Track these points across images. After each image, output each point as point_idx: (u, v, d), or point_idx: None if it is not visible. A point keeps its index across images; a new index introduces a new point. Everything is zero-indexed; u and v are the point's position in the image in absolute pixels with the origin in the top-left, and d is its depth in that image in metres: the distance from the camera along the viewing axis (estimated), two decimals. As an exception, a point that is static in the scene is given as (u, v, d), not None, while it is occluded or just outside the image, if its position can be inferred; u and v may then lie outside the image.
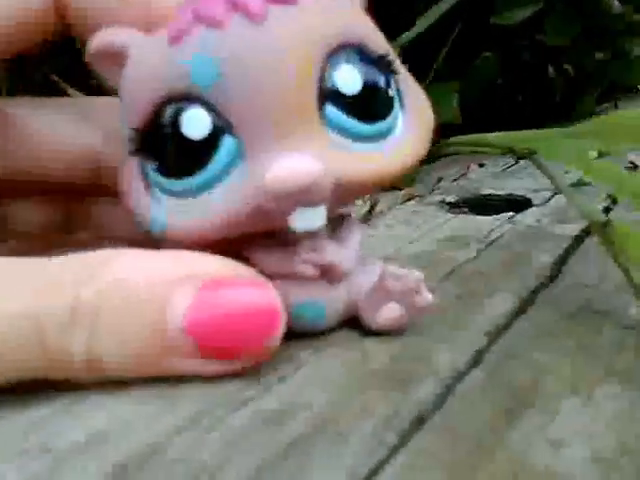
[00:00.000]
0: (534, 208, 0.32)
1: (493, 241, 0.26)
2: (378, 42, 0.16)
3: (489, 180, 0.40)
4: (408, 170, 0.16)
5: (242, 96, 0.14)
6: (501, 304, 0.19)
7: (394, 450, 0.12)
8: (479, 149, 0.31)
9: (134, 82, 0.15)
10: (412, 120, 0.16)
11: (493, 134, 0.27)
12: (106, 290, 0.13)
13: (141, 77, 0.15)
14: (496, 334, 0.17)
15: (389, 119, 0.16)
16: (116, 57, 0.15)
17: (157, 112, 0.15)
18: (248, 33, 0.14)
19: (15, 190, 0.19)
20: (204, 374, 0.14)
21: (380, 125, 0.15)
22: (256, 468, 0.12)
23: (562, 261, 0.23)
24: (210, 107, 0.14)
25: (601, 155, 0.29)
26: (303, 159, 0.14)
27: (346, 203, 0.17)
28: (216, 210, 0.15)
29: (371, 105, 0.15)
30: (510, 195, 0.35)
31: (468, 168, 0.44)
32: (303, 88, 0.14)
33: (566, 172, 0.36)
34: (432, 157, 0.45)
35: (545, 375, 0.15)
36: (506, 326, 0.18)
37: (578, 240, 0.25)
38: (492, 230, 0.28)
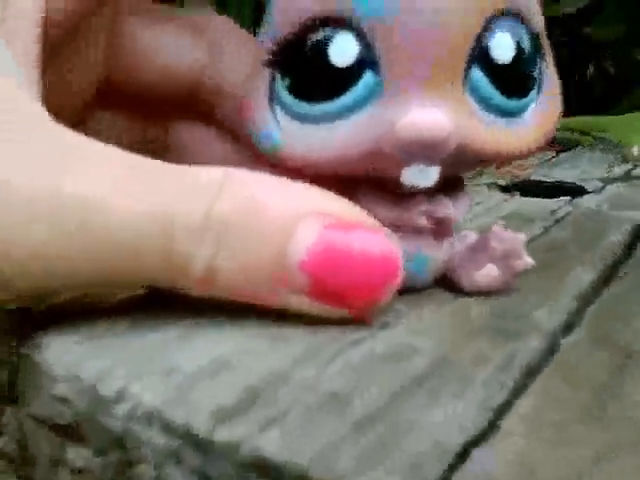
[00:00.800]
0: (591, 195, 0.32)
1: (558, 220, 0.26)
2: (539, 18, 0.16)
3: (536, 168, 0.40)
4: (525, 155, 0.16)
5: (397, 38, 0.14)
6: (582, 276, 0.19)
7: (516, 392, 0.12)
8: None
9: None
10: (543, 107, 0.16)
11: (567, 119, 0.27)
12: (239, 208, 0.13)
13: None
14: (586, 301, 0.17)
15: (526, 99, 0.16)
16: None
17: (307, 29, 0.15)
18: None
19: (120, 99, 0.19)
20: (309, 313, 0.14)
21: (517, 102, 0.16)
22: (389, 396, 0.12)
23: (633, 241, 0.23)
24: (362, 38, 0.14)
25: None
26: (438, 115, 0.14)
27: (458, 171, 0.17)
28: (337, 142, 0.15)
29: (515, 79, 0.15)
30: (560, 182, 0.35)
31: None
32: (457, 49, 0.14)
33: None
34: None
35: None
36: (594, 295, 0.18)
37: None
38: (555, 210, 0.28)
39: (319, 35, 0.15)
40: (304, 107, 0.15)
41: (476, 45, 0.15)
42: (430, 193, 0.16)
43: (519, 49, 0.15)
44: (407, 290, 0.16)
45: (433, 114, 0.14)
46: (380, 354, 0.13)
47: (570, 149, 0.43)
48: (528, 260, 0.17)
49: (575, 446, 0.11)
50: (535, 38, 0.16)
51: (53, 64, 0.16)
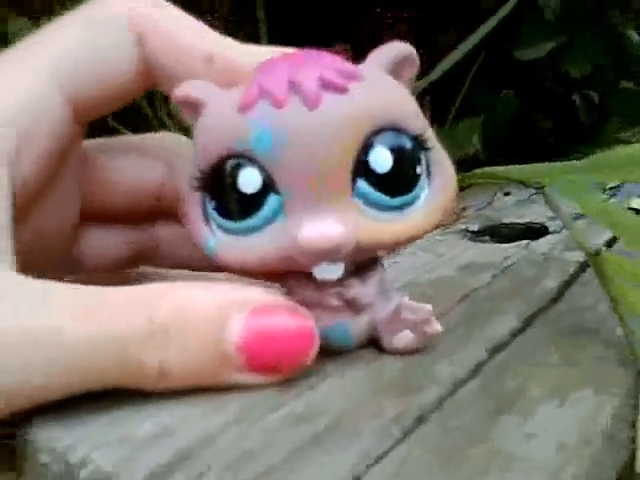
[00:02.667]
0: (549, 236, 0.34)
1: (507, 267, 0.29)
2: (416, 121, 0.18)
3: (512, 208, 0.43)
4: (424, 234, 0.19)
5: (290, 165, 0.17)
6: (504, 324, 0.22)
7: (398, 441, 0.15)
8: (497, 181, 0.34)
9: (206, 131, 0.19)
10: (435, 190, 0.19)
11: (506, 167, 0.30)
12: (175, 311, 0.17)
13: (211, 130, 0.18)
14: (496, 350, 0.20)
15: (413, 193, 0.18)
16: (194, 106, 0.19)
17: (220, 162, 0.18)
18: (302, 114, 0.17)
19: (89, 219, 0.23)
20: (250, 385, 0.18)
21: (404, 198, 0.18)
22: (288, 452, 0.15)
23: (566, 285, 0.26)
24: (262, 169, 0.17)
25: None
26: (331, 225, 0.17)
27: (363, 258, 0.19)
28: (257, 250, 0.18)
29: (397, 182, 0.18)
30: (529, 223, 0.37)
31: (494, 197, 0.47)
32: (342, 166, 0.17)
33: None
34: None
35: (530, 383, 0.18)
36: (506, 343, 0.21)
37: (583, 266, 0.28)
38: (507, 257, 0.30)
39: (229, 167, 0.18)
40: (228, 224, 0.18)
41: (357, 161, 0.17)
42: (342, 278, 0.19)
43: (397, 156, 0.18)
44: (338, 352, 0.20)
45: (325, 225, 0.17)
46: (295, 415, 0.16)
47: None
48: (437, 327, 0.19)
49: (422, 486, 0.13)
50: (416, 139, 0.18)
51: (31, 214, 0.19)
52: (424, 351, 0.20)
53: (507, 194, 0.48)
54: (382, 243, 0.18)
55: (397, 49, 0.18)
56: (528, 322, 0.22)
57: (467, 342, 0.20)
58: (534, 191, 0.49)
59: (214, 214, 0.19)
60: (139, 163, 0.22)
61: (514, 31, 0.53)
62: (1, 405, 0.16)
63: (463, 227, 0.38)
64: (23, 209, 0.19)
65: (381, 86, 0.18)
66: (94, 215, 0.22)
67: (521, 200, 0.46)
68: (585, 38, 0.54)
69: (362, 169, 0.18)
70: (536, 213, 0.40)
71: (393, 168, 0.18)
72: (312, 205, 0.17)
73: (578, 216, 0.35)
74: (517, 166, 0.30)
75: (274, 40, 0.21)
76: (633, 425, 0.16)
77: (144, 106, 0.45)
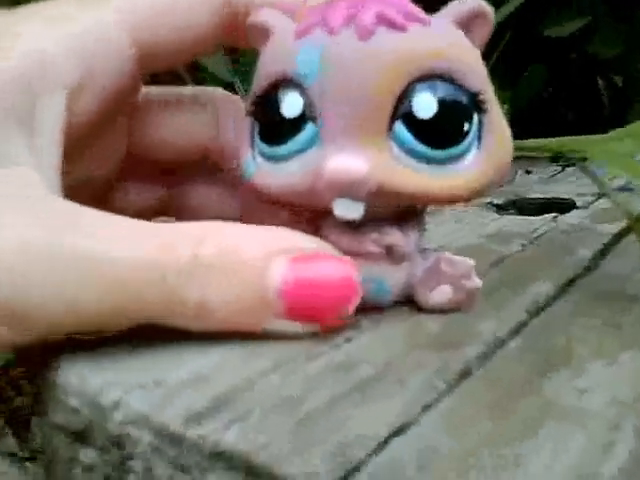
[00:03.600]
0: (578, 210, 0.34)
1: (537, 237, 0.28)
2: (476, 79, 0.18)
3: (536, 185, 0.42)
4: (457, 199, 0.18)
5: (332, 95, 0.17)
6: (542, 288, 0.21)
7: (443, 393, 0.15)
8: (528, 154, 0.34)
9: (266, 57, 0.19)
10: (483, 157, 0.18)
11: (542, 139, 0.29)
12: (219, 251, 0.16)
13: (270, 56, 0.19)
14: (535, 312, 0.20)
15: (456, 149, 0.18)
16: (262, 33, 0.19)
17: (271, 86, 0.18)
18: (353, 45, 0.17)
19: (135, 166, 0.22)
20: (288, 332, 0.17)
21: (444, 152, 0.17)
22: (330, 400, 0.14)
23: (601, 254, 0.25)
24: (305, 94, 0.17)
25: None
26: (355, 160, 0.17)
27: (389, 206, 0.19)
28: (286, 177, 0.18)
29: (439, 133, 0.17)
30: (555, 198, 0.37)
31: (516, 174, 0.46)
32: (382, 104, 0.17)
33: (611, 178, 0.38)
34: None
35: (576, 343, 0.17)
36: (545, 306, 0.20)
37: (618, 237, 0.27)
38: (537, 228, 0.30)
39: (276, 91, 0.18)
40: (267, 148, 0.19)
41: (399, 103, 0.17)
42: (381, 225, 0.18)
43: (442, 106, 0.17)
44: (373, 308, 0.19)
45: (351, 160, 0.17)
46: (335, 364, 0.16)
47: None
48: (477, 281, 0.19)
49: (474, 435, 0.13)
50: (471, 96, 0.17)
51: (80, 151, 0.19)
52: (462, 311, 0.19)
53: (529, 172, 0.47)
54: (411, 192, 0.17)
55: (470, 4, 0.18)
56: (564, 288, 0.22)
57: (505, 304, 0.20)
58: (557, 169, 0.48)
59: (257, 139, 0.19)
60: (190, 120, 0.22)
61: (543, 9, 0.52)
62: (36, 326, 0.16)
63: (487, 201, 0.38)
64: (73, 147, 0.18)
65: (445, 34, 0.18)
66: (134, 165, 0.22)
67: (543, 178, 0.45)
68: (612, 20, 0.53)
69: (403, 111, 0.17)
70: (560, 190, 0.39)
71: (436, 117, 0.17)
72: (345, 138, 0.17)
73: (619, 189, 0.35)
74: (553, 139, 0.29)
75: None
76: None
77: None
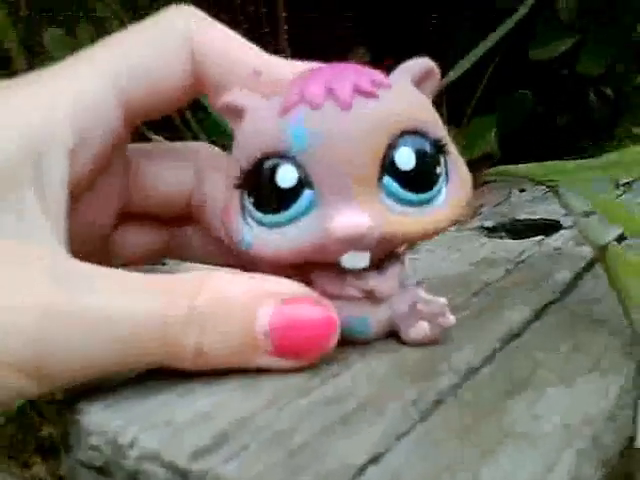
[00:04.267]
0: (563, 231, 0.35)
1: (520, 262, 0.30)
2: (436, 127, 0.20)
3: (527, 205, 0.44)
4: (441, 231, 0.21)
5: (323, 162, 0.19)
6: (517, 315, 0.23)
7: (417, 422, 0.17)
8: (511, 178, 0.35)
9: (248, 134, 0.21)
10: (453, 189, 0.21)
11: (520, 165, 0.31)
12: (212, 300, 0.18)
13: (253, 132, 0.20)
14: (508, 340, 0.21)
15: (433, 191, 0.20)
16: (238, 112, 0.21)
17: (260, 161, 0.20)
18: (337, 116, 0.19)
19: (125, 217, 0.24)
20: (278, 369, 0.19)
21: (425, 195, 0.20)
22: (317, 432, 0.16)
23: (578, 278, 0.27)
24: (299, 166, 0.19)
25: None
26: (360, 216, 0.19)
27: (387, 250, 0.21)
28: (291, 240, 0.20)
29: (420, 180, 0.20)
30: (542, 220, 0.38)
31: (509, 194, 0.48)
32: (370, 163, 0.19)
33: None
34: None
35: (540, 369, 0.19)
36: (518, 334, 0.22)
37: (595, 260, 0.29)
38: (522, 252, 0.32)
39: (268, 165, 0.20)
40: (265, 217, 0.20)
41: (384, 160, 0.19)
42: (361, 270, 0.20)
43: (418, 157, 0.20)
44: (359, 344, 0.21)
45: (355, 216, 0.19)
46: (324, 398, 0.18)
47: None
48: (450, 319, 0.21)
49: (439, 460, 0.15)
50: (436, 143, 0.20)
51: (76, 206, 0.21)
52: (441, 342, 0.21)
53: (522, 191, 0.49)
54: (406, 234, 0.20)
55: (421, 63, 0.21)
56: (540, 313, 0.24)
57: (481, 332, 0.22)
58: (549, 189, 0.50)
59: (252, 209, 0.20)
60: (174, 171, 0.24)
61: (529, 31, 0.54)
62: (57, 379, 0.18)
63: (478, 224, 0.40)
64: (72, 204, 0.20)
65: (407, 94, 0.20)
66: (130, 214, 0.24)
67: (536, 197, 0.47)
68: (600, 37, 0.55)
69: (388, 167, 0.19)
70: (550, 210, 0.41)
71: (416, 167, 0.20)
72: (343, 199, 0.19)
73: (590, 213, 0.37)
74: (531, 164, 0.31)
75: (293, 37, 0.23)
76: (635, 406, 0.17)
77: (174, 117, 0.47)
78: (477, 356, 0.20)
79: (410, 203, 0.20)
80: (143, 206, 0.24)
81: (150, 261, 0.26)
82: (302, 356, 0.19)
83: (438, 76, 0.21)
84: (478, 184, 0.51)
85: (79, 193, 0.21)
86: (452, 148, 0.21)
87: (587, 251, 0.31)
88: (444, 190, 0.20)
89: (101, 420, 0.18)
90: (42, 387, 0.18)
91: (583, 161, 0.30)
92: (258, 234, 0.20)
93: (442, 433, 0.16)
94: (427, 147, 0.20)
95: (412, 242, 0.22)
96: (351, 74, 0.19)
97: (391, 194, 0.20)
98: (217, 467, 0.15)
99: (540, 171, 0.30)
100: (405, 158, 0.19)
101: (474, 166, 0.39)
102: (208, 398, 0.18)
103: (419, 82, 0.20)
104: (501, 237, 0.36)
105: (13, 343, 0.17)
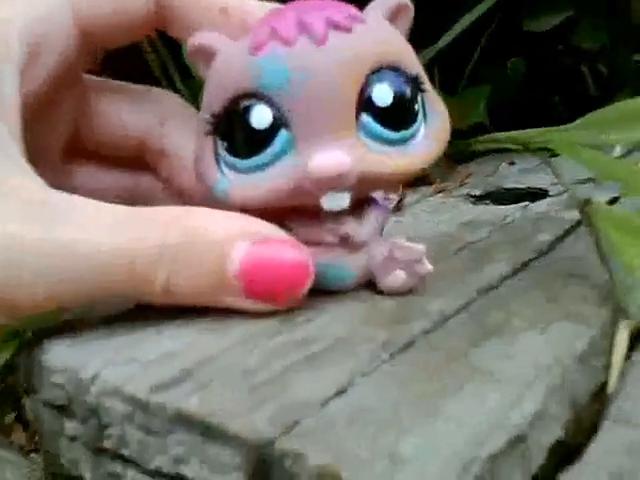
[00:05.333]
0: (549, 198, 0.35)
1: (504, 225, 0.30)
2: (412, 63, 0.20)
3: (515, 177, 0.43)
4: (417, 172, 0.20)
5: (299, 100, 0.18)
6: (496, 270, 0.23)
7: (384, 362, 0.16)
8: (502, 146, 0.35)
9: (218, 77, 0.20)
10: (431, 131, 0.20)
11: (509, 132, 0.31)
12: (185, 237, 0.18)
13: (224, 74, 0.20)
14: (485, 291, 0.21)
15: (411, 129, 0.20)
16: (206, 55, 0.20)
17: (232, 102, 0.19)
18: (311, 51, 0.18)
19: (79, 153, 0.24)
20: (248, 311, 0.19)
21: (403, 133, 0.20)
22: (281, 370, 0.16)
23: (560, 239, 0.27)
24: (273, 105, 0.19)
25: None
26: (338, 154, 0.18)
27: (367, 192, 0.21)
28: (267, 186, 0.19)
29: (397, 117, 0.19)
30: (529, 188, 0.38)
31: (499, 166, 0.48)
32: (347, 100, 0.19)
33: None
34: (461, 155, 0.49)
35: (514, 318, 0.19)
36: (495, 286, 0.22)
37: (578, 223, 0.29)
38: (506, 216, 0.31)
39: (241, 107, 0.19)
40: (239, 162, 0.20)
41: (361, 97, 0.19)
42: (338, 215, 0.20)
43: (397, 92, 0.19)
44: (335, 292, 0.21)
45: (333, 154, 0.18)
46: (293, 341, 0.18)
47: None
48: (428, 266, 0.20)
49: (404, 395, 0.15)
50: (413, 79, 0.20)
51: (31, 128, 0.21)
52: (417, 291, 0.21)
53: (512, 164, 0.49)
54: (385, 173, 0.19)
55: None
56: (519, 269, 0.23)
57: (458, 285, 0.22)
58: (538, 161, 0.50)
59: (225, 155, 0.20)
60: (132, 112, 0.24)
61: (524, 2, 0.53)
62: (21, 311, 0.18)
63: (466, 192, 0.39)
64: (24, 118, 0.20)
65: (382, 29, 0.20)
66: (87, 152, 0.24)
67: (525, 169, 0.46)
68: (596, 10, 0.54)
69: (365, 104, 0.19)
70: (538, 180, 0.41)
71: (393, 103, 0.19)
72: (320, 138, 0.19)
73: (581, 181, 0.36)
74: (520, 131, 0.30)
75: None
76: (610, 351, 0.17)
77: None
78: (451, 305, 0.20)
79: (389, 142, 0.19)
80: (96, 142, 0.24)
81: None
82: (273, 299, 0.19)
83: (411, 12, 0.20)
84: (467, 154, 0.51)
85: (30, 113, 0.20)
86: (428, 86, 0.20)
87: (571, 216, 0.30)
88: (422, 128, 0.20)
89: (64, 358, 0.18)
90: (7, 318, 0.18)
91: (570, 125, 0.30)
92: (233, 181, 0.20)
93: (409, 372, 0.16)
94: (404, 83, 0.19)
95: (391, 183, 0.21)
96: (324, 8, 0.19)
97: (370, 132, 0.19)
98: (178, 401, 0.15)
99: (530, 137, 0.30)
100: (383, 94, 0.19)
101: (466, 136, 0.39)
102: (175, 339, 0.18)
103: (392, 18, 0.20)
104: (486, 204, 0.36)
105: None
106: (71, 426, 0.17)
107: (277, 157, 0.19)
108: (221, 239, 0.18)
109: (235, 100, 0.19)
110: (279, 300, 0.19)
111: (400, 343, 0.17)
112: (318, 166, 0.18)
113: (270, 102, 0.19)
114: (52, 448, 0.18)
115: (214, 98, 0.20)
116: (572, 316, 0.19)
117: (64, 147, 0.23)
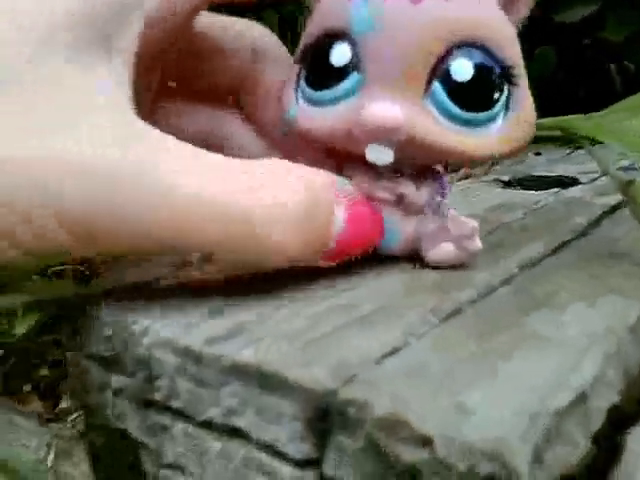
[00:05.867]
0: (580, 186, 0.35)
1: (538, 208, 0.30)
2: (509, 53, 0.19)
3: (544, 165, 0.43)
4: (480, 160, 0.20)
5: (378, 49, 0.19)
6: (535, 249, 0.23)
7: (435, 325, 0.16)
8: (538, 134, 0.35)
9: (318, 12, 0.20)
10: (509, 123, 0.20)
11: (545, 119, 0.31)
12: (295, 198, 0.17)
13: (324, 11, 0.20)
14: (527, 266, 0.21)
15: (485, 115, 0.19)
16: None
17: (321, 38, 0.20)
18: (404, 7, 0.18)
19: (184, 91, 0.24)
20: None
21: (475, 115, 0.19)
22: (332, 330, 0.16)
23: (596, 222, 0.27)
24: (354, 47, 0.19)
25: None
26: (393, 108, 0.18)
27: (417, 159, 0.21)
28: (329, 121, 0.20)
29: (472, 97, 0.19)
30: (559, 176, 0.38)
31: (525, 156, 0.47)
32: (422, 60, 0.19)
33: (619, 159, 0.39)
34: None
35: (561, 290, 0.19)
36: (536, 262, 0.22)
37: (615, 208, 0.29)
38: (538, 201, 0.31)
39: (326, 42, 0.20)
40: (313, 93, 0.20)
41: (438, 64, 0.19)
42: (398, 176, 0.20)
43: (478, 72, 0.19)
44: (375, 259, 0.21)
45: (388, 107, 0.19)
46: (338, 305, 0.18)
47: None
48: (478, 243, 0.20)
49: (457, 355, 0.15)
50: (504, 68, 0.19)
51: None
52: (459, 265, 0.21)
53: (537, 154, 0.49)
54: (435, 147, 0.19)
55: None
56: (557, 249, 0.23)
57: (499, 260, 0.22)
58: (565, 152, 0.49)
59: (303, 84, 0.21)
60: (229, 44, 0.23)
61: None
62: (98, 241, 0.16)
63: (493, 177, 0.39)
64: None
65: (487, 7, 0.19)
66: (169, 89, 0.24)
67: (552, 159, 0.46)
68: (624, 4, 0.54)
69: (442, 73, 0.19)
70: (566, 170, 0.41)
71: (471, 81, 0.19)
72: (386, 90, 0.19)
73: (624, 168, 0.36)
74: (556, 118, 0.30)
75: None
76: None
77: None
78: (496, 277, 0.20)
79: (456, 119, 0.19)
80: (189, 80, 0.23)
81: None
82: (344, 258, 0.19)
83: (529, 4, 0.20)
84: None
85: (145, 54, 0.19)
86: (524, 83, 0.20)
87: (605, 201, 0.30)
88: (499, 120, 0.19)
89: (117, 313, 0.18)
90: (80, 247, 0.16)
91: (609, 110, 0.29)
92: (303, 108, 0.21)
93: (460, 336, 0.16)
94: (490, 65, 0.19)
95: (445, 159, 0.21)
96: None
97: (437, 102, 0.19)
98: (232, 353, 0.15)
99: (573, 123, 0.29)
100: (462, 69, 0.19)
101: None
102: (223, 297, 0.18)
103: (508, 3, 0.19)
104: (516, 189, 0.36)
105: (66, 194, 0.16)
106: (118, 379, 0.17)
107: (343, 97, 0.20)
108: (326, 196, 0.18)
109: (326, 36, 0.20)
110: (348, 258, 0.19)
111: (448, 309, 0.17)
112: (370, 113, 0.19)
113: (352, 43, 0.19)
114: (97, 401, 0.18)
115: (310, 31, 0.21)
116: (617, 291, 0.19)
117: (156, 86, 0.23)
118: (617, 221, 0.27)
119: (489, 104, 0.19)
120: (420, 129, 0.19)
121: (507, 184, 0.38)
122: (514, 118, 0.20)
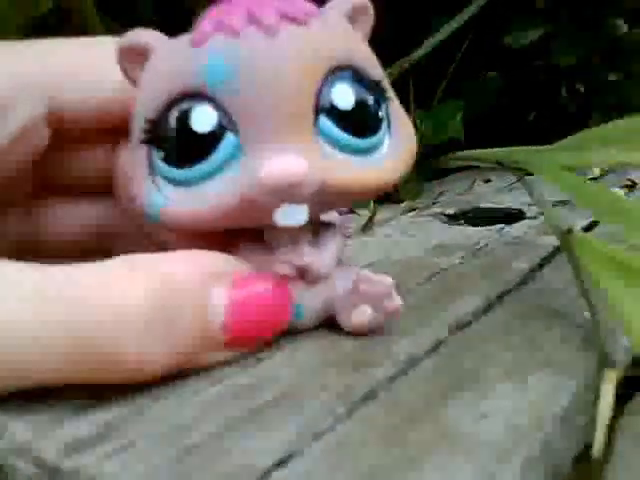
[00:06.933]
0: (525, 221, 0.33)
1: (478, 250, 0.28)
2: (374, 69, 0.18)
3: (491, 195, 0.42)
4: (384, 187, 0.18)
5: (247, 100, 0.16)
6: (469, 304, 0.21)
7: (340, 419, 0.14)
8: (479, 164, 0.33)
9: (154, 76, 0.17)
10: (396, 144, 0.18)
11: (486, 150, 0.29)
12: (155, 291, 0.15)
13: (161, 72, 0.17)
14: (458, 328, 0.19)
15: (375, 138, 0.17)
16: (140, 54, 0.17)
17: (170, 105, 0.16)
18: (260, 44, 0.16)
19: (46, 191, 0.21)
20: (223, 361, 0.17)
21: (367, 141, 0.17)
22: (223, 426, 0.14)
23: (537, 268, 0.25)
24: (218, 106, 0.16)
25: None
26: (294, 160, 0.16)
27: (327, 208, 0.19)
28: (211, 200, 0.16)
29: (360, 122, 0.17)
30: (505, 208, 0.36)
31: (473, 184, 0.46)
32: (301, 99, 0.16)
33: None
34: (433, 171, 0.47)
35: (489, 364, 0.17)
36: (468, 323, 0.20)
37: (557, 251, 0.27)
38: (480, 240, 0.29)
39: (180, 109, 0.16)
40: (179, 173, 0.17)
41: (319, 97, 0.16)
42: (296, 243, 0.18)
43: (359, 94, 0.17)
44: (290, 332, 0.18)
45: (288, 160, 0.16)
46: (236, 390, 0.15)
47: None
48: (397, 301, 0.18)
49: (357, 467, 0.12)
50: (375, 85, 0.17)
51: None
52: (381, 330, 0.19)
53: (487, 181, 0.47)
54: (349, 186, 0.17)
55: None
56: (494, 302, 0.21)
57: (428, 321, 0.19)
58: (514, 179, 0.48)
59: (162, 165, 0.17)
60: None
61: (502, 18, 0.52)
62: None
63: (439, 210, 0.37)
64: None
65: (341, 27, 0.17)
66: (50, 187, 0.21)
67: (501, 187, 0.45)
68: (573, 27, 0.53)
69: (324, 105, 0.16)
70: (515, 200, 0.39)
71: (355, 106, 0.17)
72: (272, 142, 0.16)
73: (559, 203, 0.35)
74: (497, 149, 0.29)
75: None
76: (594, 408, 0.15)
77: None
78: (420, 346, 0.18)
79: (351, 149, 0.17)
80: (67, 178, 0.21)
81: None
82: (252, 343, 0.17)
83: (372, 13, 0.18)
84: (441, 170, 0.49)
85: None
86: (393, 95, 0.18)
87: (549, 241, 0.28)
88: (387, 140, 0.18)
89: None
90: None
91: (551, 146, 0.28)
92: (170, 195, 0.17)
93: (366, 434, 0.14)
94: (366, 86, 0.17)
95: (357, 197, 0.18)
96: (276, 1, 0.16)
97: (329, 137, 0.17)
98: (93, 465, 0.13)
99: (508, 156, 0.28)
100: (343, 95, 0.17)
101: (439, 151, 0.37)
102: (94, 391, 0.16)
103: (352, 19, 0.18)
104: (460, 224, 0.34)
105: None
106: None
107: (222, 166, 0.16)
108: (195, 287, 0.16)
109: (174, 101, 0.17)
110: (256, 342, 0.17)
111: (360, 393, 0.15)
112: (271, 174, 0.15)
113: (214, 102, 0.16)
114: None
115: (149, 102, 0.17)
116: (552, 364, 0.17)
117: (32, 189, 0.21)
118: (558, 266, 0.25)
119: (377, 125, 0.17)
120: (327, 172, 0.16)
121: (452, 218, 0.36)
122: (398, 133, 0.18)
